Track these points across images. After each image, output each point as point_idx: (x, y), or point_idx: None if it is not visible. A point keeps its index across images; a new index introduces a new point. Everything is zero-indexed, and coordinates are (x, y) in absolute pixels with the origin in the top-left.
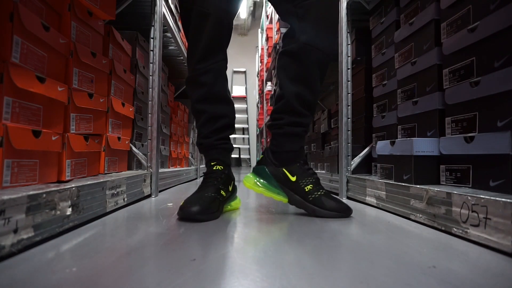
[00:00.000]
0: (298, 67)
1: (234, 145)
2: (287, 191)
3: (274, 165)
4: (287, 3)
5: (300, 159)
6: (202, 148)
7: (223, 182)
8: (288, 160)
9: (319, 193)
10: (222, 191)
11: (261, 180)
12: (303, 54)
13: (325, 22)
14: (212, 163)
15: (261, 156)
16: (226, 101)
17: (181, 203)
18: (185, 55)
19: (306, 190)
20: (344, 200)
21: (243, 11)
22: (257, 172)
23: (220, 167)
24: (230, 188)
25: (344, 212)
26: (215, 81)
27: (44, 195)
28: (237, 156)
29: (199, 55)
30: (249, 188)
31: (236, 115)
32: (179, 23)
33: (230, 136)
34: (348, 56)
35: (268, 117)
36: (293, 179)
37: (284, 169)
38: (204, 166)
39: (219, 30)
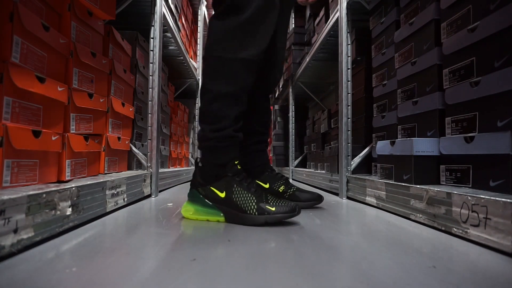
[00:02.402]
0: None
1: None
2: (221, 209)
3: (202, 185)
4: None
5: (228, 172)
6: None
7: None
8: (213, 177)
9: (292, 189)
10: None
11: (195, 205)
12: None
13: None
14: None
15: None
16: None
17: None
18: (185, 55)
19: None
20: (344, 200)
21: None
22: (190, 197)
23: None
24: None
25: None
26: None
27: (44, 195)
28: None
29: (269, 31)
30: (187, 218)
31: None
32: (179, 23)
33: None
34: (348, 56)
35: None
36: (222, 195)
37: (211, 187)
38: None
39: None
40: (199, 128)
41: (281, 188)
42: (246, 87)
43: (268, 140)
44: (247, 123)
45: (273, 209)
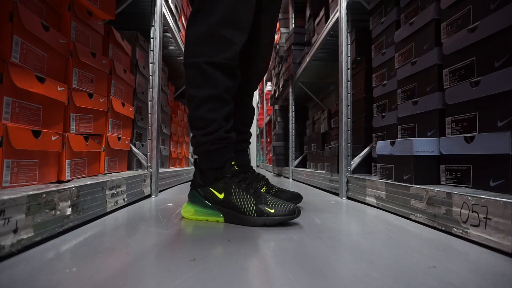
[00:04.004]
0: None
1: None
2: (221, 210)
3: (202, 186)
4: None
5: (226, 174)
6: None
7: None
8: (212, 179)
9: (274, 190)
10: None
11: (195, 206)
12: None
13: None
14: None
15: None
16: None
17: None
18: None
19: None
20: (344, 200)
21: None
22: (190, 198)
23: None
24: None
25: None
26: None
27: (44, 195)
28: None
29: (243, 31)
30: (187, 218)
31: None
32: (179, 23)
33: None
34: (348, 56)
35: (268, 117)
36: (221, 196)
37: (211, 188)
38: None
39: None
40: (191, 135)
41: (264, 188)
42: (229, 88)
43: (250, 138)
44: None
45: (272, 211)
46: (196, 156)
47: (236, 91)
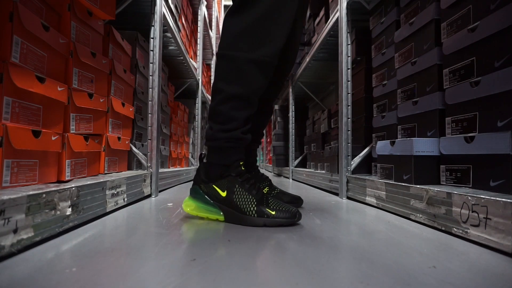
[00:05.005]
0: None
1: None
2: (222, 208)
3: (205, 182)
4: None
5: (231, 173)
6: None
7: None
8: (217, 175)
9: (276, 191)
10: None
11: (196, 201)
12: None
13: None
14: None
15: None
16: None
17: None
18: (185, 55)
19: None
20: (344, 200)
21: None
22: (192, 192)
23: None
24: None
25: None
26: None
27: (44, 195)
28: None
29: (284, 29)
30: (188, 213)
31: None
32: (179, 23)
33: None
34: (348, 56)
35: None
36: (223, 194)
37: (214, 186)
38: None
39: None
40: (208, 125)
41: (266, 189)
42: (258, 90)
43: (261, 139)
44: (253, 124)
45: (273, 213)
46: (203, 152)
47: (268, 98)
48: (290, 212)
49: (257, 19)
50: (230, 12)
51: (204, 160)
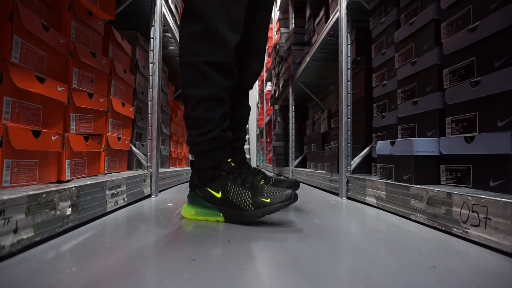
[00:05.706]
0: None
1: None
2: (220, 209)
3: (199, 187)
4: None
5: (222, 172)
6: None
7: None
8: (209, 178)
9: (271, 181)
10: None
11: (195, 207)
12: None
13: None
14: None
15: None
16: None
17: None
18: None
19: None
20: (344, 200)
21: None
22: (190, 199)
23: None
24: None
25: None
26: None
27: (44, 195)
28: None
29: (236, 29)
30: (187, 218)
31: None
32: (179, 23)
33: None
34: (348, 56)
35: (268, 117)
36: (219, 195)
37: (208, 189)
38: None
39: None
40: (187, 134)
41: (262, 182)
42: (227, 88)
43: (246, 136)
44: (233, 119)
45: (268, 200)
46: (192, 159)
47: (233, 90)
48: (285, 195)
49: (207, 24)
50: (181, 20)
51: (194, 168)
